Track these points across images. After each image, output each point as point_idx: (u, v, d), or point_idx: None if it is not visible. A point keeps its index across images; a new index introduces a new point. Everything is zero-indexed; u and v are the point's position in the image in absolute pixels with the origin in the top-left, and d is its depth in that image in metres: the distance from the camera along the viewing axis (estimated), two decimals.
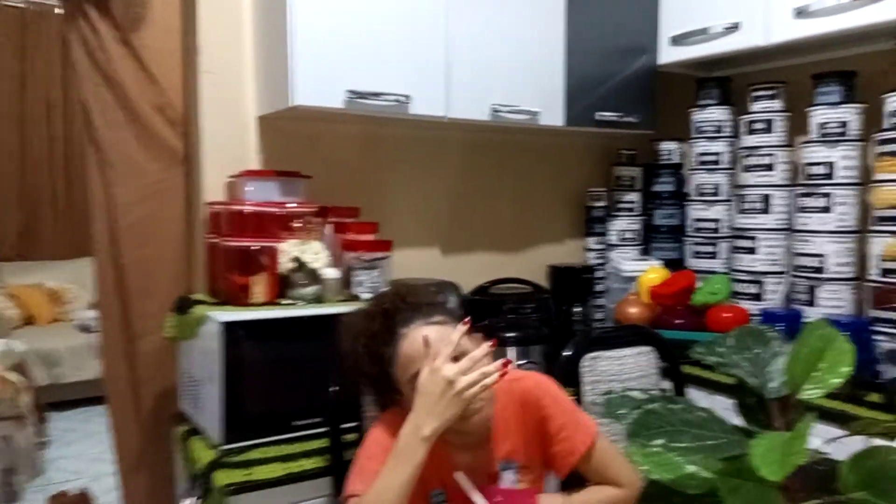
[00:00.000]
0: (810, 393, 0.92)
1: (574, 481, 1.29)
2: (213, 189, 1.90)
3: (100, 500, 3.10)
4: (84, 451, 3.83)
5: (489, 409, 1.18)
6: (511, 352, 1.85)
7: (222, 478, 1.39)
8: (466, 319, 1.20)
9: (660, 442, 0.86)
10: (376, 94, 1.80)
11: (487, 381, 1.10)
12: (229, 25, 1.91)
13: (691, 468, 0.93)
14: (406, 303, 1.20)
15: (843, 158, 2.00)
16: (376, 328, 1.19)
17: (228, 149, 1.92)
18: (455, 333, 1.13)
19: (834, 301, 2.01)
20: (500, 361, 1.16)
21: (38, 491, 3.21)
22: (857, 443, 0.94)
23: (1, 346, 2.88)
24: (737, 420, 1.00)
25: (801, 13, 1.90)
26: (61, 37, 5.15)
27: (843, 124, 2.00)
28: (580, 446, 1.23)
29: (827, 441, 0.95)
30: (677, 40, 2.27)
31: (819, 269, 2.02)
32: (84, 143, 1.92)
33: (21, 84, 5.20)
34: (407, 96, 1.85)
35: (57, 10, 5.10)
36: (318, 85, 1.74)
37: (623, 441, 0.92)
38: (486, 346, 1.14)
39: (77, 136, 5.30)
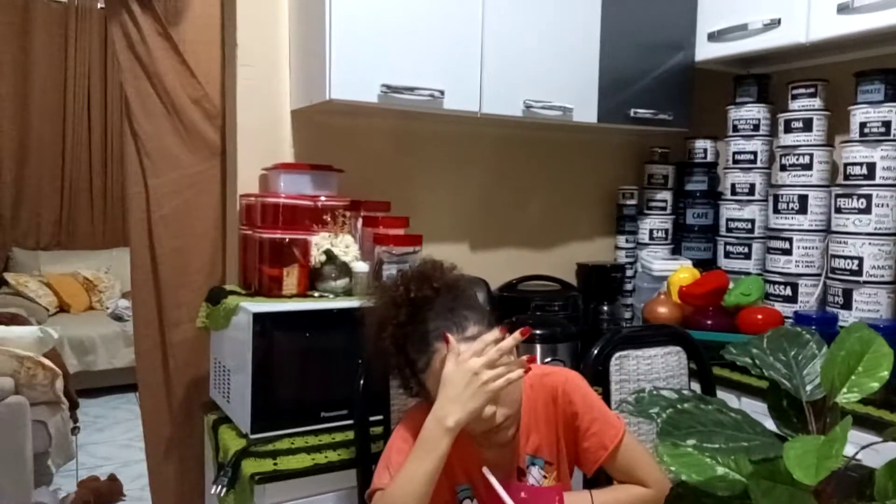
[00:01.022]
0: (847, 397, 0.90)
1: (601, 479, 1.28)
2: (247, 181, 1.92)
3: (128, 487, 3.17)
4: (114, 437, 3.92)
5: (511, 420, 1.16)
6: (538, 349, 1.84)
7: (250, 467, 1.41)
8: (502, 327, 1.17)
9: (692, 442, 0.85)
10: (410, 89, 1.80)
11: (513, 375, 1.10)
12: (267, 19, 1.93)
13: (721, 470, 0.92)
14: (433, 288, 1.16)
15: (884, 159, 1.95)
16: (403, 319, 1.15)
17: (263, 141, 1.94)
18: (489, 335, 1.11)
19: (870, 305, 1.96)
20: (524, 357, 1.15)
21: (69, 475, 3.30)
22: (892, 450, 0.92)
23: (37, 332, 2.95)
24: (768, 424, 0.98)
25: (843, 9, 1.86)
26: (102, 32, 5.28)
27: (886, 124, 1.95)
28: (608, 443, 1.22)
29: (863, 447, 0.93)
30: (715, 36, 2.23)
31: (856, 272, 1.98)
32: (123, 134, 1.96)
33: (63, 77, 5.33)
34: (441, 91, 1.85)
35: (100, 6, 5.22)
36: (353, 79, 1.75)
37: (651, 441, 0.91)
38: (514, 336, 1.12)
39: (116, 129, 5.42)
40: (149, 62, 1.88)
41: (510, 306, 2.09)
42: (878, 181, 1.95)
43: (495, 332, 1.14)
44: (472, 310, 1.17)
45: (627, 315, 2.50)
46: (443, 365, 1.11)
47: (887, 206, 1.95)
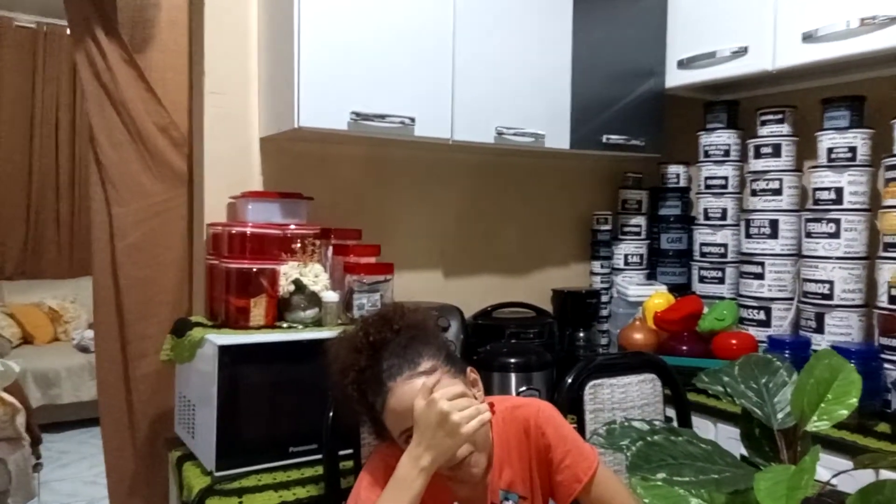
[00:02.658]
0: (817, 425, 0.89)
1: None
2: (214, 210, 1.89)
3: None
4: (79, 473, 3.80)
5: (483, 460, 1.15)
6: (513, 378, 1.82)
7: None
8: (471, 367, 1.19)
9: (662, 475, 0.83)
10: (381, 116, 1.79)
11: (485, 416, 1.08)
12: (235, 47, 1.92)
13: (695, 501, 0.90)
14: (393, 330, 1.17)
15: (851, 184, 1.97)
16: (363, 364, 1.15)
17: (231, 169, 1.91)
18: (452, 388, 1.10)
19: (842, 328, 1.97)
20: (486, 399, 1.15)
21: None
22: (866, 475, 0.91)
23: None
24: (742, 450, 0.96)
25: (808, 38, 1.89)
26: (71, 56, 5.22)
27: (852, 149, 1.98)
28: (582, 475, 1.19)
29: (835, 475, 0.92)
30: (684, 64, 2.26)
31: (827, 296, 1.99)
32: (88, 162, 1.92)
33: (30, 103, 5.26)
34: (412, 118, 1.84)
35: (68, 31, 5.17)
36: (323, 107, 1.73)
37: (625, 472, 0.89)
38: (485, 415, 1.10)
39: (84, 156, 5.34)
40: (114, 90, 1.86)
41: (485, 334, 2.06)
42: (846, 205, 1.97)
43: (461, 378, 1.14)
44: (427, 345, 1.17)
45: (604, 341, 2.49)
46: (395, 408, 1.11)
47: (856, 230, 1.97)
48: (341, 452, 1.35)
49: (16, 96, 5.19)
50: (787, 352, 1.90)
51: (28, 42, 5.23)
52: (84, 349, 4.70)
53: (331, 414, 1.34)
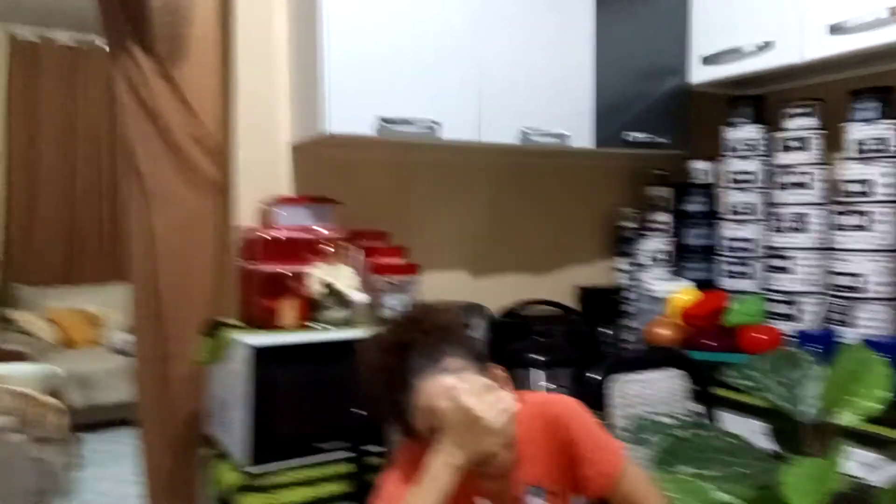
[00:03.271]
0: (846, 418, 0.89)
1: None
2: (246, 215, 1.94)
3: None
4: (112, 472, 3.88)
5: (510, 452, 1.16)
6: (539, 374, 1.83)
7: (248, 501, 1.40)
8: (499, 367, 1.20)
9: (689, 470, 0.84)
10: (407, 121, 1.82)
11: (511, 407, 1.10)
12: (265, 58, 1.96)
13: (723, 496, 0.91)
14: (421, 331, 1.19)
15: (881, 175, 1.95)
16: (392, 364, 1.16)
17: (262, 176, 1.96)
18: (476, 383, 1.12)
19: (872, 322, 1.94)
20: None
21: None
22: None
23: (41, 369, 2.95)
24: (769, 445, 0.97)
25: (835, 29, 1.88)
26: (108, 73, 5.35)
27: (881, 140, 1.95)
28: (610, 470, 1.20)
29: (864, 466, 0.92)
30: (709, 60, 2.25)
31: (857, 289, 1.97)
32: (125, 173, 1.98)
33: (72, 118, 5.41)
34: (437, 122, 1.87)
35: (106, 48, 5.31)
36: (350, 113, 1.77)
37: (651, 467, 0.90)
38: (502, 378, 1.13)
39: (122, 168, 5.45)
40: (150, 102, 1.90)
41: (511, 332, 2.08)
42: (875, 197, 1.95)
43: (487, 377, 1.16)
44: (453, 344, 1.18)
45: (629, 337, 2.48)
46: (423, 406, 1.13)
47: (886, 222, 1.95)
48: (371, 449, 1.38)
49: (58, 111, 5.35)
50: (816, 346, 1.88)
51: (68, 59, 5.40)
52: (120, 352, 4.81)
53: (360, 412, 1.37)
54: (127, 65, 1.89)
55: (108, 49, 1.93)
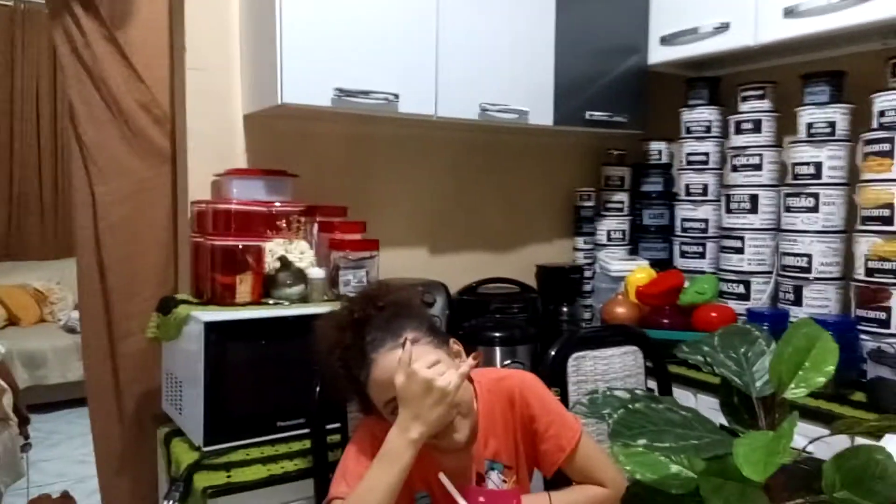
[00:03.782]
0: (795, 392, 0.91)
1: (560, 481, 1.28)
2: (198, 188, 1.88)
3: (83, 503, 3.07)
4: (67, 453, 3.80)
5: (466, 426, 1.17)
6: (497, 352, 1.84)
7: (202, 480, 1.38)
8: (453, 338, 1.21)
9: (643, 441, 0.85)
10: (365, 93, 1.79)
11: (464, 367, 1.12)
12: (216, 22, 1.89)
13: (675, 468, 0.92)
14: (377, 308, 1.18)
15: (830, 158, 2.00)
16: (349, 341, 1.16)
17: (215, 147, 1.90)
18: (428, 356, 1.12)
19: (820, 301, 2.01)
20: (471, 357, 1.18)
21: (20, 494, 3.18)
22: (842, 442, 0.93)
23: None
24: (722, 420, 0.99)
25: (790, 13, 1.90)
26: (50, 34, 5.13)
27: (831, 124, 2.00)
28: (566, 445, 1.22)
29: (811, 440, 0.94)
30: (667, 40, 2.27)
31: (806, 269, 2.02)
32: (69, 141, 1.90)
33: (10, 83, 5.18)
34: (396, 95, 1.84)
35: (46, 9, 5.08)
36: (306, 83, 1.72)
37: (607, 441, 0.92)
38: (468, 363, 1.14)
39: (65, 136, 5.27)
40: (93, 66, 1.83)
41: (469, 309, 2.08)
42: (824, 180, 2.00)
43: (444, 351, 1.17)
44: (409, 318, 1.18)
45: (587, 316, 2.52)
46: (379, 378, 1.13)
47: (834, 204, 2.00)
48: (328, 426, 1.37)
49: None
50: (765, 324, 1.93)
51: (5, 20, 5.13)
52: (71, 330, 4.68)
53: (318, 388, 1.35)
54: (69, 26, 1.80)
55: (48, 9, 1.84)
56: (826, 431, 0.93)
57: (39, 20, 5.21)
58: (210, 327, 1.48)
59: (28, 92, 5.25)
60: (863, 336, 1.84)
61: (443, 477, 1.13)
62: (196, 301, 1.70)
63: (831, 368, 0.91)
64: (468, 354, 1.22)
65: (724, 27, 2.09)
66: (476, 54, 1.99)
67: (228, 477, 1.39)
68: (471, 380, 1.23)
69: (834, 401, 1.69)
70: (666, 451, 0.86)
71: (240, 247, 1.67)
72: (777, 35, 1.97)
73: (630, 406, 0.90)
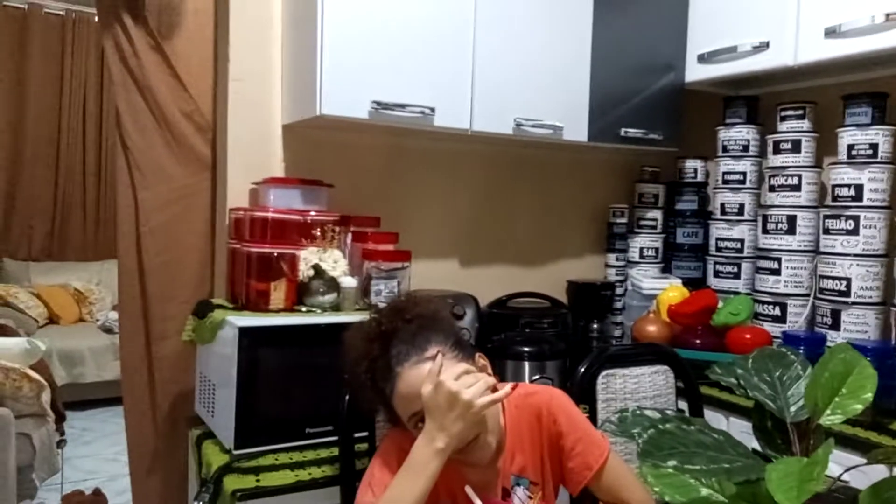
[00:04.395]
0: (831, 419, 0.89)
1: (586, 499, 1.27)
2: (237, 195, 1.92)
3: (113, 501, 3.13)
4: (100, 451, 3.88)
5: (492, 442, 1.17)
6: (526, 367, 1.84)
7: (232, 483, 1.40)
8: (480, 353, 1.23)
9: (673, 463, 0.84)
10: (401, 106, 1.81)
11: (500, 394, 1.11)
12: (259, 35, 1.94)
13: (705, 491, 0.91)
14: (404, 320, 1.19)
15: (871, 181, 1.96)
16: (375, 353, 1.18)
17: (254, 156, 1.94)
18: (455, 368, 1.13)
19: (859, 326, 1.96)
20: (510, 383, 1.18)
21: (54, 489, 3.26)
22: (879, 472, 0.92)
23: (24, 343, 2.93)
24: (754, 444, 0.98)
25: (831, 33, 1.88)
26: (99, 43, 5.29)
27: (873, 146, 1.97)
28: (593, 463, 1.21)
29: (846, 469, 0.92)
30: (705, 58, 2.25)
31: (844, 293, 1.98)
32: (114, 147, 1.96)
33: (59, 88, 5.34)
34: (432, 108, 1.86)
35: (96, 18, 5.25)
36: (344, 95, 1.75)
37: (635, 461, 0.91)
38: (505, 391, 1.14)
39: (111, 141, 5.42)
40: (140, 75, 1.89)
41: (499, 323, 2.08)
42: (865, 202, 1.96)
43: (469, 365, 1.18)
44: (436, 332, 1.19)
45: (617, 333, 2.50)
46: (403, 392, 1.14)
47: (875, 227, 1.96)
48: (357, 435, 1.38)
49: (44, 82, 5.28)
50: (801, 348, 1.89)
51: (56, 29, 5.31)
52: (108, 330, 4.79)
53: (347, 397, 1.37)
54: (118, 36, 1.86)
55: (98, 19, 1.91)
56: (862, 460, 0.91)
57: (89, 29, 5.38)
58: (244, 332, 1.51)
59: (75, 98, 5.41)
60: None
61: (469, 490, 1.13)
62: (231, 306, 1.74)
63: (869, 395, 0.90)
64: (495, 369, 1.22)
65: (763, 46, 2.07)
66: (512, 69, 2.00)
67: (257, 481, 1.41)
68: None
69: (872, 429, 1.65)
70: (696, 474, 0.85)
71: (275, 254, 1.70)
72: (817, 55, 1.94)
73: (660, 426, 0.90)
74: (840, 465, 0.93)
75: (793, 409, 0.95)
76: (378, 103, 1.78)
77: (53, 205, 5.41)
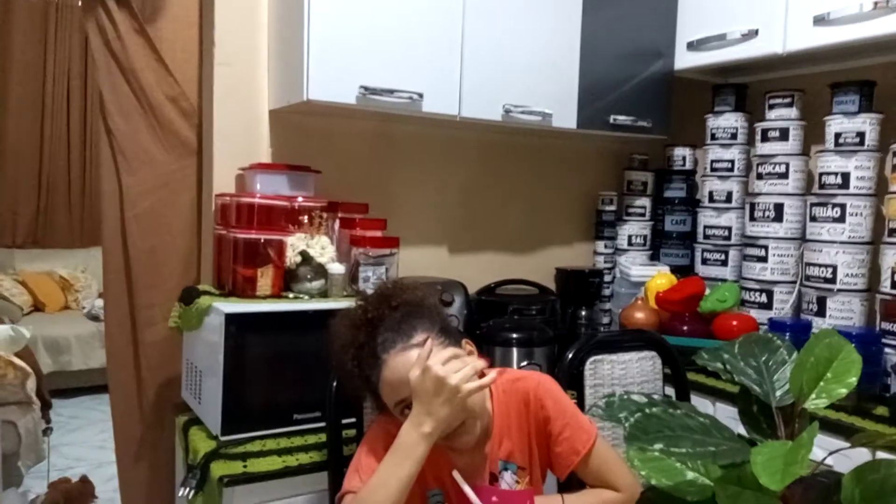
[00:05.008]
0: (816, 403, 0.90)
1: (574, 483, 1.28)
2: (223, 181, 1.91)
3: (101, 488, 3.12)
4: (87, 438, 3.86)
5: (478, 427, 1.17)
6: (514, 353, 1.84)
7: (219, 469, 1.39)
8: (467, 339, 1.22)
9: (659, 446, 0.84)
10: (390, 91, 1.80)
11: (486, 380, 1.11)
12: (245, 19, 1.92)
13: (691, 474, 0.92)
14: (391, 307, 1.19)
15: (858, 169, 1.97)
16: (361, 340, 1.18)
17: (240, 141, 1.92)
18: (443, 352, 1.12)
19: (844, 313, 1.98)
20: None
21: (40, 477, 3.23)
22: (862, 455, 0.92)
23: (8, 331, 2.90)
24: (740, 429, 0.98)
25: (820, 21, 1.88)
26: (82, 27, 5.21)
27: (860, 134, 1.97)
28: (580, 448, 1.22)
29: (830, 453, 0.93)
30: (694, 46, 2.25)
31: (830, 280, 2.00)
32: (98, 132, 1.94)
33: (42, 74, 5.27)
34: (420, 94, 1.84)
35: (79, 2, 5.17)
36: (332, 80, 1.74)
37: (622, 445, 0.91)
38: (490, 378, 1.15)
39: (95, 126, 5.35)
40: (124, 59, 1.86)
41: (488, 310, 2.08)
42: (852, 190, 1.98)
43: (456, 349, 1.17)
44: (422, 319, 1.19)
45: (605, 320, 2.51)
46: (389, 379, 1.14)
47: (861, 215, 1.98)
48: (344, 421, 1.38)
49: (27, 67, 5.20)
50: (787, 334, 1.91)
51: (40, 13, 5.23)
52: (94, 318, 4.76)
53: (334, 384, 1.36)
54: (101, 19, 1.84)
55: (80, 2, 1.88)
56: (846, 445, 0.92)
57: (72, 13, 5.30)
58: (231, 319, 1.50)
59: (59, 83, 5.34)
60: (887, 350, 1.81)
61: (456, 475, 1.13)
62: (218, 293, 1.72)
63: (854, 380, 0.90)
64: (483, 356, 1.22)
65: (752, 34, 2.07)
66: (501, 55, 1.99)
67: (244, 467, 1.41)
68: None
69: (855, 414, 1.66)
70: (682, 457, 0.86)
71: (262, 240, 1.69)
72: (806, 43, 1.94)
73: (647, 410, 0.90)
74: (824, 449, 0.94)
75: (778, 393, 0.96)
76: (366, 88, 1.76)
77: (38, 191, 5.34)
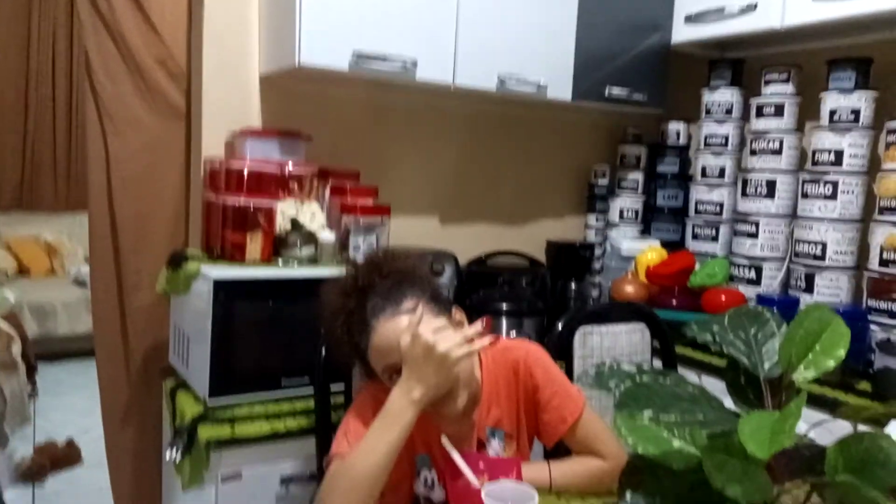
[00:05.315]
0: (804, 374, 0.91)
1: (560, 451, 1.29)
2: (212, 145, 1.88)
3: (87, 452, 3.12)
4: (73, 403, 3.85)
5: (465, 395, 1.17)
6: (504, 323, 1.84)
7: (206, 432, 1.39)
8: (457, 307, 1.22)
9: (648, 414, 0.85)
10: (383, 57, 1.77)
11: (476, 345, 1.11)
12: None
13: (677, 443, 0.92)
14: (381, 275, 1.18)
15: (851, 146, 1.97)
16: (351, 307, 1.17)
17: (230, 106, 1.89)
18: (434, 321, 1.13)
19: (832, 289, 1.99)
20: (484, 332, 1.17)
21: (26, 440, 3.23)
22: (844, 429, 0.93)
23: None
24: (728, 403, 0.99)
25: None
26: None
27: (855, 112, 1.97)
28: (568, 417, 1.22)
29: (814, 424, 0.94)
30: (692, 19, 2.22)
31: (819, 257, 2.01)
32: (84, 94, 1.90)
33: (27, 35, 5.15)
34: (414, 61, 1.81)
35: None
36: (324, 45, 1.70)
37: (611, 414, 0.91)
38: (477, 331, 1.14)
39: (82, 89, 5.25)
40: (111, 19, 1.81)
41: (478, 281, 2.08)
42: (844, 168, 1.98)
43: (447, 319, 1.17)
44: (412, 286, 1.19)
45: (595, 293, 2.51)
46: (378, 345, 1.14)
47: (853, 192, 1.98)
48: (332, 387, 1.38)
49: (11, 27, 5.07)
50: (775, 309, 1.91)
51: None
52: (80, 283, 4.72)
53: (322, 349, 1.36)
54: None
55: None
56: (830, 419, 0.93)
57: None
58: (219, 284, 1.49)
59: (44, 44, 5.22)
60: (873, 327, 1.83)
61: (445, 440, 1.14)
62: (206, 258, 1.71)
63: (842, 353, 0.90)
64: (472, 324, 1.22)
65: (750, 8, 2.05)
66: (497, 24, 1.96)
67: (232, 430, 1.41)
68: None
69: (839, 388, 1.68)
70: (671, 425, 0.86)
71: (251, 206, 1.67)
72: (805, 18, 1.92)
73: (637, 379, 0.90)
74: (808, 422, 0.95)
75: (766, 365, 0.96)
76: (359, 54, 1.73)
77: (23, 154, 5.25)
